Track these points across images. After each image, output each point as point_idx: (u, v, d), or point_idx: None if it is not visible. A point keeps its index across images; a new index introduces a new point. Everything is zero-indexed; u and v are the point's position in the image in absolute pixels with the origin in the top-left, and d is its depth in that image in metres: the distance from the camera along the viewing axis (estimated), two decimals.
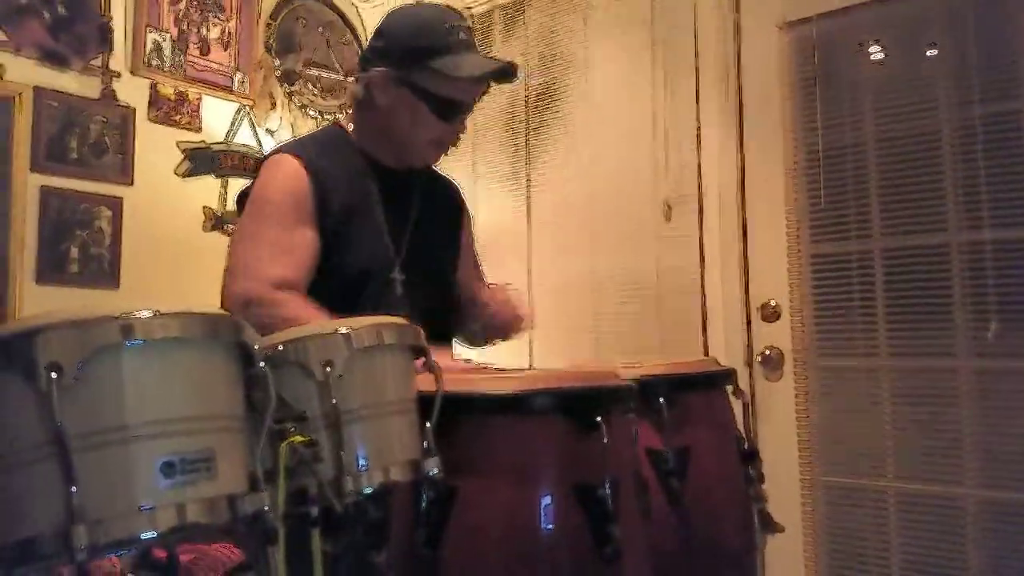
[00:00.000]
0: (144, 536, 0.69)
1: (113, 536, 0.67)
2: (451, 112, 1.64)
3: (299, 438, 0.83)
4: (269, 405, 0.79)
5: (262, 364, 0.79)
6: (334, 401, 0.86)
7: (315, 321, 1.42)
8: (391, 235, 1.66)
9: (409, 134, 1.65)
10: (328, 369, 0.87)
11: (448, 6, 1.73)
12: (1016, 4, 2.36)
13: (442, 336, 1.71)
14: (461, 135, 1.72)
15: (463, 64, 1.59)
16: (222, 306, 1.47)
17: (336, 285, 1.55)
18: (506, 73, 1.65)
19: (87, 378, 0.67)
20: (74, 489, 0.65)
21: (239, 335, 0.77)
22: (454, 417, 1.02)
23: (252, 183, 1.64)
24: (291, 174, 1.58)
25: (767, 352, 2.69)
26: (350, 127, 1.74)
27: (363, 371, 0.91)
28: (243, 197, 1.66)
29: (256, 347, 0.79)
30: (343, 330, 0.90)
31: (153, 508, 0.69)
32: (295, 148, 1.66)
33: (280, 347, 0.88)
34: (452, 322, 1.79)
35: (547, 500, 1.04)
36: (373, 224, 1.64)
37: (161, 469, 0.69)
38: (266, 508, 0.77)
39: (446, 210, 1.85)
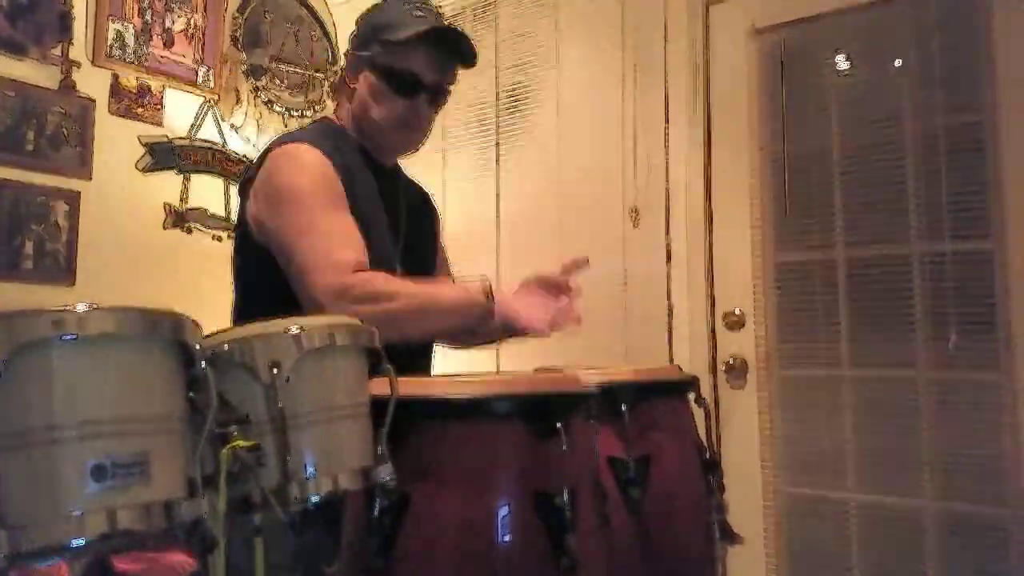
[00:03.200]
0: (73, 543, 0.66)
1: (37, 543, 0.63)
2: (407, 86, 1.61)
3: (242, 442, 0.79)
4: (210, 407, 0.75)
5: (203, 364, 0.75)
6: (280, 405, 0.82)
7: (413, 290, 1.43)
8: (389, 239, 1.64)
9: (373, 116, 1.63)
10: (275, 371, 0.83)
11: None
12: (981, 17, 2.38)
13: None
14: (427, 122, 1.68)
15: (409, 30, 1.58)
16: (312, 305, 1.40)
17: None
18: (447, 34, 1.62)
19: (13, 375, 0.63)
20: None
21: (179, 333, 0.73)
22: (409, 422, 0.99)
23: (264, 174, 1.56)
24: (318, 163, 1.53)
25: (731, 361, 2.69)
26: (344, 124, 1.71)
27: (313, 374, 0.88)
28: (246, 187, 1.60)
29: (197, 346, 0.75)
30: (293, 330, 0.87)
31: (82, 514, 0.65)
32: (307, 139, 1.59)
33: (225, 346, 0.84)
34: None
35: (503, 509, 1.01)
36: (380, 218, 1.63)
37: (91, 472, 0.65)
38: (205, 515, 0.73)
39: (426, 213, 1.86)
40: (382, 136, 1.66)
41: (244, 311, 1.59)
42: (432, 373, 1.81)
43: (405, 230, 1.68)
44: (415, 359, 1.68)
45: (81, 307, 0.67)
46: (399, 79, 1.61)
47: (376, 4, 1.72)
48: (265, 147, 1.62)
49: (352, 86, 1.66)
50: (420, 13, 1.62)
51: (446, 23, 1.66)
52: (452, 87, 1.70)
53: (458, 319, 1.49)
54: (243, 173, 1.74)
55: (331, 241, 1.45)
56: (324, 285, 1.39)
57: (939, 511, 2.35)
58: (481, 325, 1.49)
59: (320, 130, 1.72)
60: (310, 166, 1.53)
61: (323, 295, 1.39)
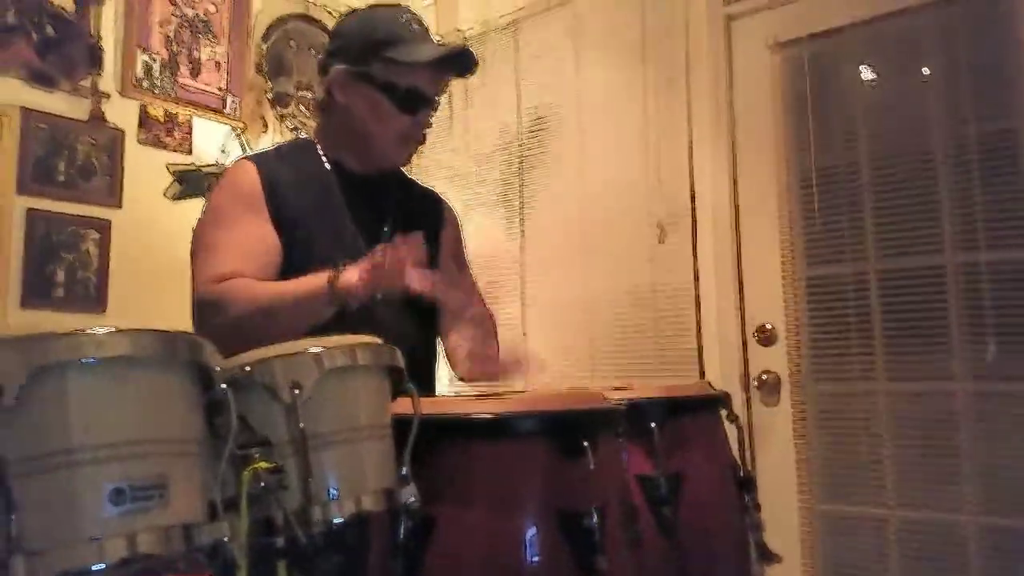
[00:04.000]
0: (93, 568, 0.65)
1: (56, 568, 0.63)
2: (412, 103, 1.62)
3: (264, 464, 0.78)
4: (230, 429, 0.74)
5: (223, 386, 0.74)
6: (301, 425, 0.81)
7: (256, 292, 1.43)
8: (364, 243, 1.58)
9: (373, 131, 1.64)
10: (296, 391, 0.82)
11: (399, 4, 1.72)
12: (1008, 21, 2.35)
13: (418, 351, 1.63)
14: (426, 131, 1.69)
15: (419, 50, 1.59)
16: (193, 324, 1.46)
17: None
18: (462, 58, 1.64)
19: (31, 398, 0.63)
20: (13, 517, 0.61)
21: (198, 355, 0.73)
22: (433, 442, 0.98)
23: None
24: (240, 175, 1.59)
25: (763, 376, 2.65)
26: (319, 139, 1.72)
27: (334, 394, 0.87)
28: None
29: (217, 368, 0.75)
30: (313, 349, 0.86)
31: (101, 538, 0.64)
32: (251, 154, 1.69)
33: (246, 368, 0.83)
34: (432, 340, 1.76)
35: (530, 529, 0.99)
36: (335, 231, 1.61)
37: (109, 496, 0.64)
38: (226, 539, 0.72)
39: (423, 220, 1.75)
40: (379, 149, 1.67)
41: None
42: (435, 393, 1.79)
43: (387, 238, 1.61)
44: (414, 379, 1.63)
45: (99, 330, 0.66)
46: (404, 96, 1.61)
47: (362, 14, 1.71)
48: None
49: (341, 100, 1.64)
50: (416, 26, 1.64)
51: (452, 39, 1.70)
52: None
53: (310, 309, 1.39)
54: None
55: (214, 253, 1.50)
56: (193, 297, 1.48)
57: (981, 526, 2.29)
58: (337, 307, 1.39)
59: (282, 146, 1.79)
60: (231, 181, 1.60)
61: (193, 307, 1.47)
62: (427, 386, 1.72)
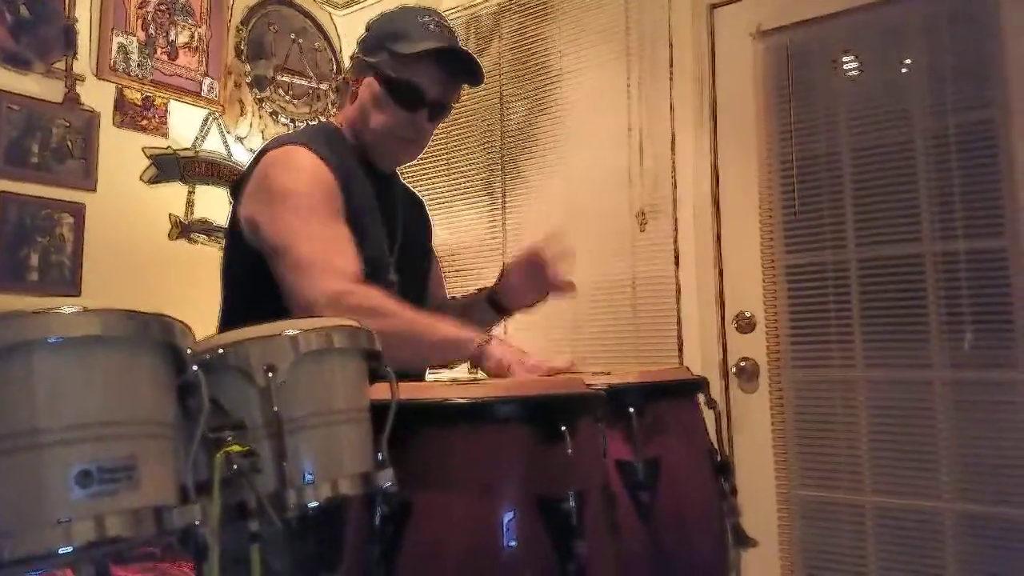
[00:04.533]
0: (60, 551, 0.63)
1: (22, 551, 0.61)
2: (410, 98, 1.59)
3: (237, 448, 0.77)
4: (202, 411, 0.73)
5: (195, 368, 0.73)
6: (276, 409, 0.80)
7: (410, 314, 1.38)
8: (386, 244, 1.62)
9: (373, 124, 1.61)
10: (271, 374, 0.81)
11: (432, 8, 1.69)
12: (991, 12, 2.36)
13: None
14: (425, 136, 1.66)
15: (418, 45, 1.56)
16: (303, 309, 1.37)
17: None
18: (457, 54, 1.61)
19: None
20: None
21: (168, 336, 0.71)
22: (410, 427, 0.97)
23: (259, 176, 1.53)
24: (316, 167, 1.50)
25: (742, 363, 2.66)
26: (342, 127, 1.69)
27: (310, 377, 0.85)
28: (238, 189, 1.57)
29: (189, 350, 0.73)
30: (289, 332, 0.85)
31: (69, 521, 0.62)
32: (305, 141, 1.56)
33: (219, 350, 0.82)
34: None
35: (508, 514, 0.99)
36: (376, 225, 1.60)
37: (76, 478, 0.63)
38: (198, 522, 0.71)
39: (420, 220, 1.84)
40: (378, 143, 1.64)
41: (232, 316, 1.56)
42: (426, 378, 1.78)
43: (401, 236, 1.66)
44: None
45: (67, 309, 0.65)
46: (402, 91, 1.58)
47: (390, 11, 1.70)
48: (260, 148, 1.60)
49: (355, 89, 1.64)
50: (433, 27, 1.60)
51: (457, 39, 1.65)
52: (455, 103, 1.69)
53: (444, 354, 1.45)
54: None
55: (329, 246, 1.42)
56: (322, 288, 1.36)
57: (957, 513, 2.31)
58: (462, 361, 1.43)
59: (318, 133, 1.70)
60: (306, 169, 1.50)
61: (320, 297, 1.35)
62: (419, 373, 1.72)
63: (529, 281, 1.72)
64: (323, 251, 1.41)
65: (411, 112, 1.60)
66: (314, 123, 1.76)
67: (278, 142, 1.60)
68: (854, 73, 2.62)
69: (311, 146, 1.54)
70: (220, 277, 1.63)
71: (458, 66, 1.62)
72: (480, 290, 1.84)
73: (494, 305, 1.78)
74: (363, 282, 1.41)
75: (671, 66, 2.90)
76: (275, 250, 1.45)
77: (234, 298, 1.60)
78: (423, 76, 1.58)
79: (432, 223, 1.91)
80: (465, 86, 1.69)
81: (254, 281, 1.48)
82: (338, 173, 1.52)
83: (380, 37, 1.61)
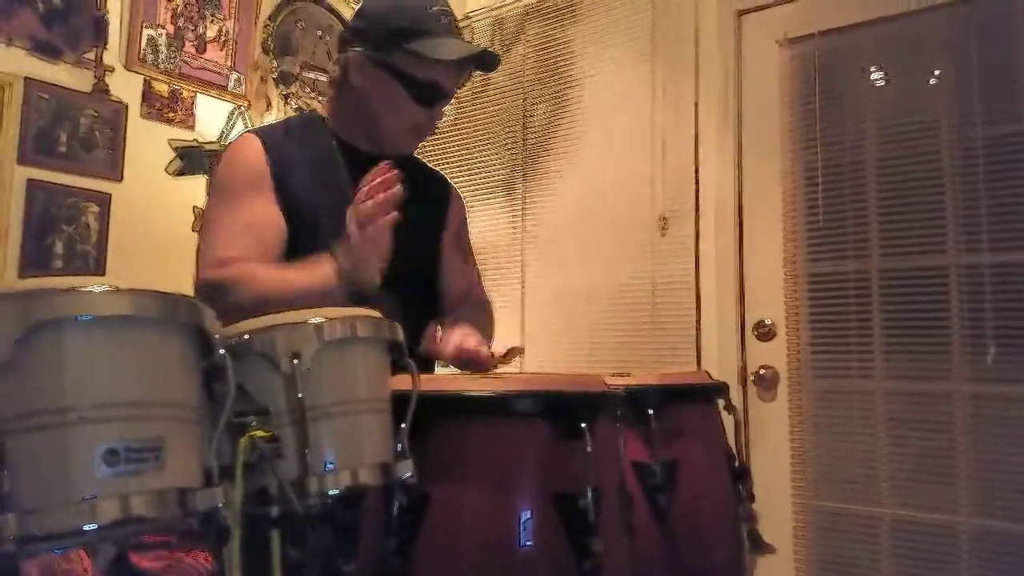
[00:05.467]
0: (86, 528, 0.64)
1: (48, 527, 0.62)
2: (429, 96, 1.59)
3: (260, 433, 0.77)
4: (228, 396, 0.73)
5: (222, 352, 0.73)
6: (300, 396, 0.80)
7: (254, 281, 1.39)
8: None
9: (385, 119, 1.60)
10: (295, 361, 0.81)
11: None
12: (1019, 26, 2.33)
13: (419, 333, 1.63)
14: (439, 123, 1.67)
15: (443, 47, 1.53)
16: None
17: None
18: (485, 59, 1.60)
19: (27, 354, 0.62)
20: (5, 474, 0.60)
21: (198, 319, 0.72)
22: (431, 419, 0.97)
23: None
24: (248, 152, 1.55)
25: (761, 371, 2.64)
26: (327, 114, 1.68)
27: (333, 365, 0.86)
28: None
29: (216, 334, 0.74)
30: (314, 320, 0.85)
31: (94, 498, 0.63)
32: (258, 129, 1.65)
33: (246, 336, 0.83)
34: (443, 320, 1.71)
35: (525, 509, 0.99)
36: (341, 212, 1.52)
37: (103, 456, 0.63)
38: (220, 505, 0.72)
39: (428, 203, 1.76)
40: (390, 137, 1.62)
41: None
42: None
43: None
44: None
45: (98, 288, 0.66)
46: (422, 89, 1.57)
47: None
48: None
49: (356, 82, 1.59)
50: (444, 19, 1.57)
51: (461, 26, 1.66)
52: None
53: (311, 300, 1.41)
54: None
55: (218, 235, 1.48)
56: (196, 281, 1.47)
57: (975, 528, 2.28)
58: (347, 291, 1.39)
59: (288, 121, 1.72)
60: (236, 158, 1.56)
61: (196, 290, 1.45)
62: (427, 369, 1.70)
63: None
64: (211, 243, 1.49)
65: (429, 108, 1.61)
66: (301, 113, 1.78)
67: (243, 132, 1.71)
68: (881, 83, 2.60)
69: (258, 132, 1.62)
70: None
71: (481, 65, 1.62)
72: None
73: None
74: (241, 262, 1.43)
75: (696, 71, 2.90)
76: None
77: None
78: (442, 74, 1.58)
79: (457, 208, 1.85)
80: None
81: None
82: (277, 155, 1.54)
83: (391, 33, 1.55)
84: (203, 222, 1.56)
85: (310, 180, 1.56)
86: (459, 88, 1.67)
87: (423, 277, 1.71)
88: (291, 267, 1.44)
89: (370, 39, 1.58)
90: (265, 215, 1.49)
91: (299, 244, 1.49)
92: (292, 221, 1.51)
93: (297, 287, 1.37)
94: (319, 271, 1.38)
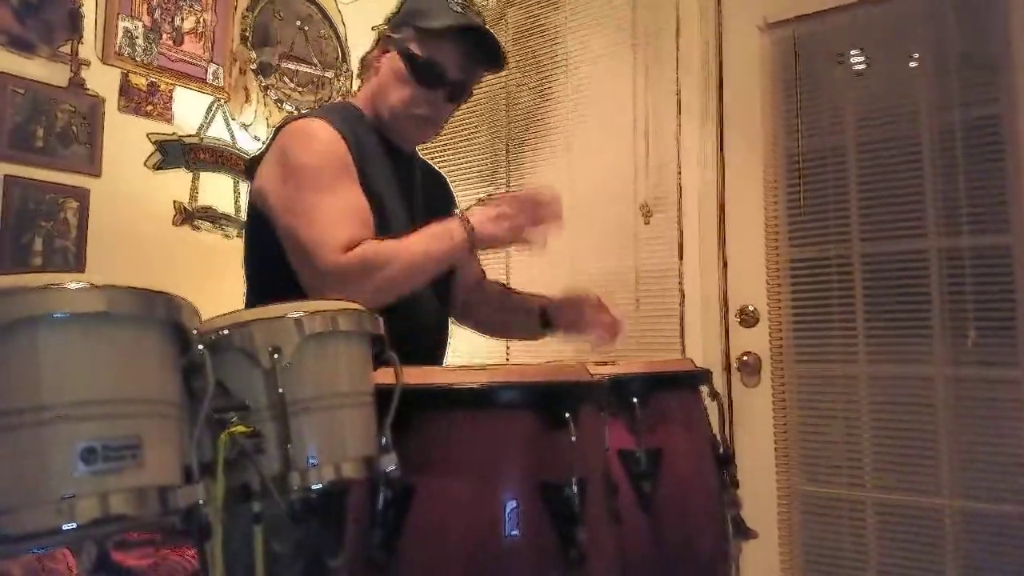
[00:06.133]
0: (64, 528, 0.63)
1: (26, 527, 0.61)
2: (430, 77, 1.59)
3: (241, 429, 0.77)
4: (207, 392, 0.73)
5: (200, 348, 0.73)
6: (280, 390, 0.80)
7: (403, 251, 1.42)
8: (403, 217, 1.61)
9: (392, 102, 1.61)
10: (275, 356, 0.81)
11: None
12: (997, 9, 2.35)
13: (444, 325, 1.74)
14: (443, 116, 1.67)
15: (438, 21, 1.56)
16: (313, 289, 1.41)
17: None
18: (479, 34, 1.60)
19: (1, 353, 0.61)
20: None
21: (175, 315, 0.71)
22: (414, 412, 0.97)
23: (275, 152, 1.53)
24: (330, 139, 1.51)
25: (744, 357, 2.65)
26: (362, 105, 1.69)
27: (314, 359, 0.85)
28: (253, 166, 1.58)
29: (194, 329, 0.73)
30: (294, 314, 0.84)
31: (73, 497, 0.62)
32: (320, 115, 1.58)
33: (224, 331, 0.82)
34: (454, 310, 1.81)
35: (510, 500, 0.99)
36: (394, 203, 1.60)
37: (81, 455, 0.62)
38: (201, 502, 0.71)
39: (441, 199, 1.82)
40: (395, 121, 1.64)
41: (254, 300, 1.56)
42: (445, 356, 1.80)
43: (422, 216, 1.64)
44: (430, 352, 1.67)
45: (73, 284, 0.65)
46: (423, 68, 1.59)
47: None
48: (278, 123, 1.61)
49: (377, 65, 1.64)
50: (459, 8, 1.59)
51: (483, 22, 1.64)
52: (475, 86, 1.69)
53: (447, 263, 1.51)
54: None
55: (331, 220, 1.42)
56: (322, 268, 1.39)
57: (957, 510, 2.31)
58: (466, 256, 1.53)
59: (336, 110, 1.72)
60: (319, 142, 1.50)
61: (322, 278, 1.39)
62: (439, 359, 1.76)
63: (577, 320, 1.80)
64: (322, 228, 1.41)
65: (430, 90, 1.60)
66: (334, 102, 1.78)
67: (293, 117, 1.62)
68: (860, 67, 2.61)
69: (328, 119, 1.54)
70: (243, 265, 1.63)
71: (481, 48, 1.61)
72: (530, 296, 1.88)
73: (543, 321, 1.82)
74: (365, 243, 1.41)
75: (677, 57, 2.89)
76: (284, 230, 1.46)
77: (255, 281, 1.60)
78: (445, 55, 1.59)
79: (456, 203, 1.89)
80: (490, 72, 1.71)
81: (274, 261, 1.48)
82: (353, 149, 1.52)
83: (406, 13, 1.62)
84: (296, 208, 1.45)
85: (373, 172, 1.56)
86: (470, 83, 1.66)
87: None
88: (418, 237, 1.46)
89: (391, 20, 1.65)
90: (361, 200, 1.48)
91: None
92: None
93: (436, 256, 1.44)
94: (447, 234, 1.44)
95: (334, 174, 1.47)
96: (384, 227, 1.50)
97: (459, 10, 1.59)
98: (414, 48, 1.58)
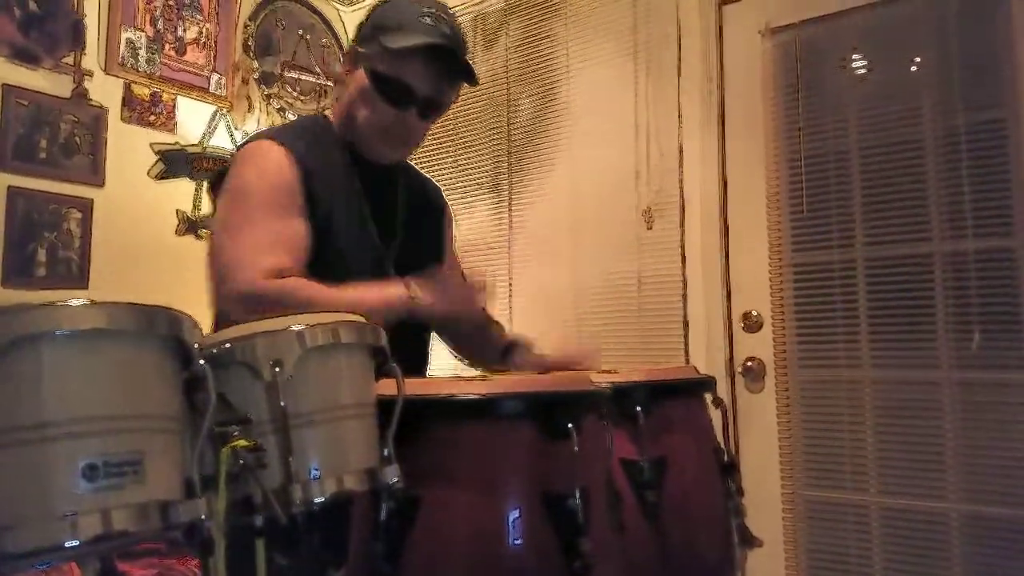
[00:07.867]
0: (67, 545, 0.63)
1: (28, 545, 0.61)
2: (397, 96, 1.52)
3: (243, 442, 0.77)
4: (209, 406, 0.73)
5: (201, 362, 0.73)
6: (282, 403, 0.80)
7: (327, 298, 1.33)
8: (381, 234, 1.57)
9: (359, 117, 1.56)
10: (277, 369, 0.81)
11: (440, 1, 1.61)
12: (1000, 13, 2.34)
13: (422, 340, 1.68)
14: (416, 133, 1.61)
15: (404, 39, 1.48)
16: (219, 309, 1.39)
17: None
18: (444, 51, 1.51)
19: (3, 371, 0.61)
20: None
21: (176, 330, 0.71)
22: (417, 423, 0.97)
23: (229, 171, 1.51)
24: (277, 162, 1.47)
25: (748, 363, 2.65)
26: (333, 118, 1.65)
27: (316, 372, 0.85)
28: (217, 183, 1.54)
29: (195, 344, 0.73)
30: (295, 327, 0.84)
31: (75, 514, 0.62)
32: (277, 135, 1.54)
33: (226, 344, 0.82)
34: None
35: (514, 511, 0.99)
36: (360, 221, 1.55)
37: (83, 472, 0.63)
38: (203, 517, 0.71)
39: (430, 211, 1.77)
40: (365, 138, 1.58)
41: (219, 320, 1.49)
42: (426, 375, 1.77)
43: (403, 230, 1.61)
44: (409, 362, 1.64)
45: (74, 302, 0.65)
46: (390, 87, 1.52)
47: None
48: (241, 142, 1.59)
49: (347, 80, 1.59)
50: (430, 21, 1.51)
51: (457, 35, 1.56)
52: (451, 101, 1.63)
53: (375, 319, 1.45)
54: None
55: (260, 242, 1.38)
56: (233, 287, 1.35)
57: (963, 514, 2.30)
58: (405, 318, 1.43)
59: (301, 126, 1.67)
60: (269, 168, 1.47)
61: (227, 299, 1.36)
62: (420, 370, 1.71)
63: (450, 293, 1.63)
64: (253, 246, 1.38)
65: (399, 109, 1.54)
66: (307, 116, 1.73)
67: (255, 136, 1.59)
68: (863, 71, 2.60)
69: (279, 139, 1.51)
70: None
71: (451, 64, 1.54)
72: (500, 331, 1.82)
73: (503, 356, 1.75)
74: (289, 275, 1.37)
75: (679, 63, 2.89)
76: (212, 248, 1.44)
77: (215, 301, 1.53)
78: (412, 73, 1.51)
79: (449, 216, 1.85)
80: (467, 85, 1.63)
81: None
82: (305, 165, 1.48)
83: (374, 27, 1.54)
84: (226, 227, 1.44)
85: (330, 192, 1.52)
86: (442, 99, 1.60)
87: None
88: (353, 288, 1.39)
89: (359, 35, 1.58)
90: (299, 228, 1.45)
91: (320, 257, 1.46)
92: (316, 234, 1.47)
93: (368, 304, 1.29)
94: (384, 294, 1.41)
95: (272, 199, 1.44)
96: (335, 249, 1.47)
97: (429, 22, 1.51)
98: (380, 67, 1.52)
